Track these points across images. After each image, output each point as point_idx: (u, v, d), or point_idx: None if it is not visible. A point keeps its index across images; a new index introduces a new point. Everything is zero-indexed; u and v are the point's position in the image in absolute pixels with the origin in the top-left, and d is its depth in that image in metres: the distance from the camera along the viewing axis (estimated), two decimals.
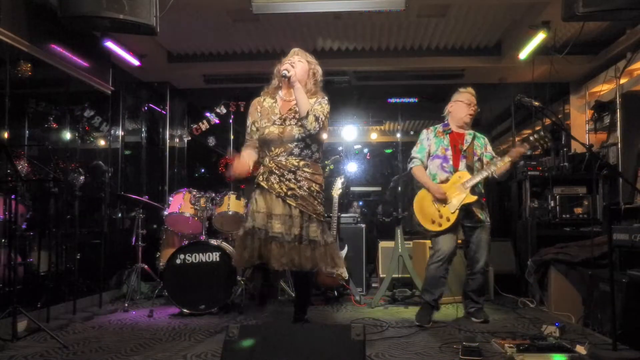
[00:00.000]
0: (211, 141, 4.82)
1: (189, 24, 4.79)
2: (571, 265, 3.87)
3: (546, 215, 4.68)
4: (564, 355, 2.59)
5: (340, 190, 4.64)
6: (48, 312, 3.51)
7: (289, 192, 2.91)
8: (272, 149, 2.99)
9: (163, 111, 6.35)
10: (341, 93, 6.20)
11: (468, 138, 3.70)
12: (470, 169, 3.60)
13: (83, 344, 3.03)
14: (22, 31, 3.57)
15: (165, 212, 4.41)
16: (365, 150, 8.02)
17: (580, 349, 2.66)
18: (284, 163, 2.95)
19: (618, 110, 4.81)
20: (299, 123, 2.95)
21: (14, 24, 3.47)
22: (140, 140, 6.15)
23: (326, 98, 3.09)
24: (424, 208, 3.60)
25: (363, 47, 5.57)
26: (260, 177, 3.00)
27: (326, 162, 6.62)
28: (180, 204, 4.34)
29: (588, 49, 5.13)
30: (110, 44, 4.64)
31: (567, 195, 4.66)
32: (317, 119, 2.93)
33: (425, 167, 3.68)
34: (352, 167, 7.63)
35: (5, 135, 3.74)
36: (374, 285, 5.12)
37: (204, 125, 4.68)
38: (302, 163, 2.97)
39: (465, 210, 3.53)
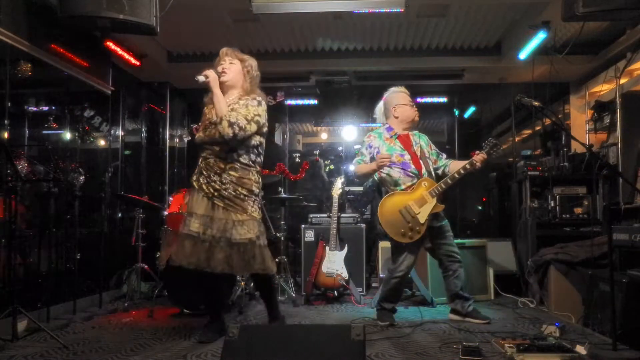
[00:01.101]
0: None
1: (189, 24, 4.79)
2: (571, 265, 3.88)
3: (546, 215, 4.68)
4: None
5: (340, 190, 4.65)
6: (48, 312, 3.51)
7: (216, 193, 2.94)
8: (204, 152, 3.04)
9: (163, 111, 6.35)
10: (341, 93, 6.20)
11: (415, 139, 3.66)
12: (430, 174, 3.57)
13: (83, 344, 3.03)
14: (22, 31, 3.56)
15: (165, 212, 4.41)
16: None
17: (580, 349, 2.66)
18: (211, 165, 2.98)
19: (618, 110, 4.81)
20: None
21: (14, 24, 3.47)
22: (140, 140, 6.15)
23: (259, 98, 3.02)
24: (390, 219, 3.43)
25: (363, 47, 5.57)
26: (194, 176, 3.05)
27: (325, 162, 6.65)
28: (181, 204, 4.33)
29: (588, 49, 5.13)
30: (110, 44, 4.64)
31: (567, 195, 4.66)
32: (231, 124, 2.86)
33: (379, 175, 3.54)
34: (352, 167, 7.62)
35: (5, 135, 3.74)
36: (374, 285, 5.12)
37: None
38: (228, 166, 2.97)
39: (432, 215, 3.47)
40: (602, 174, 4.76)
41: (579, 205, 4.64)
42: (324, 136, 8.16)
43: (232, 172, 2.96)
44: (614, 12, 3.27)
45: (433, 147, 3.75)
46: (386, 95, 3.76)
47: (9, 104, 3.71)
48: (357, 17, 4.66)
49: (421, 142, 3.68)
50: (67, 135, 4.54)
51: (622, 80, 4.82)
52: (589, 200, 4.64)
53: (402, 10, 3.87)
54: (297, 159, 7.17)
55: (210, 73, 2.95)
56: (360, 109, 7.07)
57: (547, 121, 5.65)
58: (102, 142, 5.54)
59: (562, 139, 5.25)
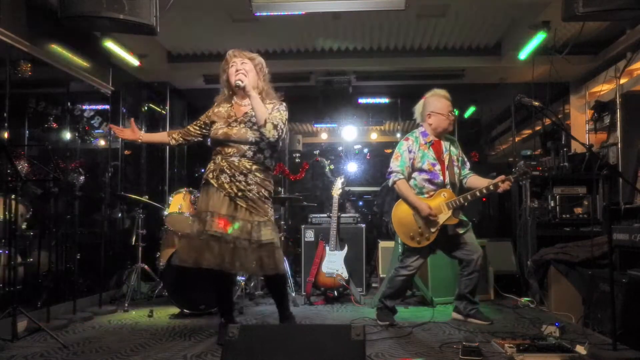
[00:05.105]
0: None
1: (189, 24, 4.79)
2: (571, 265, 3.87)
3: (546, 215, 4.68)
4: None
5: (340, 190, 4.65)
6: (48, 312, 3.51)
7: (239, 193, 2.90)
8: (226, 149, 2.97)
9: (163, 111, 6.35)
10: (341, 93, 6.20)
11: (446, 145, 3.61)
12: (453, 185, 3.54)
13: (83, 344, 3.03)
14: (22, 31, 3.57)
15: (165, 212, 4.41)
16: (365, 150, 8.02)
17: (580, 349, 2.66)
18: (236, 164, 2.93)
19: (618, 110, 4.81)
20: (254, 127, 2.93)
21: (14, 24, 3.47)
22: None
23: (284, 104, 3.05)
24: (403, 221, 3.48)
25: (363, 47, 5.57)
26: (210, 174, 2.96)
27: (326, 162, 6.65)
28: (180, 204, 4.34)
29: (588, 49, 5.14)
30: (110, 44, 4.64)
31: (567, 195, 4.66)
32: (275, 126, 2.88)
33: (408, 180, 3.50)
34: (352, 167, 7.63)
35: (5, 135, 3.74)
36: (374, 285, 5.12)
37: None
38: (254, 167, 2.95)
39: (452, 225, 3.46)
40: (602, 174, 4.76)
41: (579, 205, 4.63)
42: (324, 136, 8.16)
43: (257, 174, 2.95)
44: (614, 12, 3.27)
45: (461, 154, 3.70)
46: (427, 95, 3.65)
47: (9, 104, 3.71)
48: (357, 17, 4.65)
49: (452, 148, 3.63)
50: (67, 135, 4.54)
51: (622, 80, 4.82)
52: (589, 200, 4.63)
53: (402, 10, 3.86)
54: (297, 159, 7.17)
55: (243, 77, 2.92)
56: (360, 109, 7.07)
57: (547, 121, 5.64)
58: (102, 142, 5.54)
59: (562, 139, 5.25)
